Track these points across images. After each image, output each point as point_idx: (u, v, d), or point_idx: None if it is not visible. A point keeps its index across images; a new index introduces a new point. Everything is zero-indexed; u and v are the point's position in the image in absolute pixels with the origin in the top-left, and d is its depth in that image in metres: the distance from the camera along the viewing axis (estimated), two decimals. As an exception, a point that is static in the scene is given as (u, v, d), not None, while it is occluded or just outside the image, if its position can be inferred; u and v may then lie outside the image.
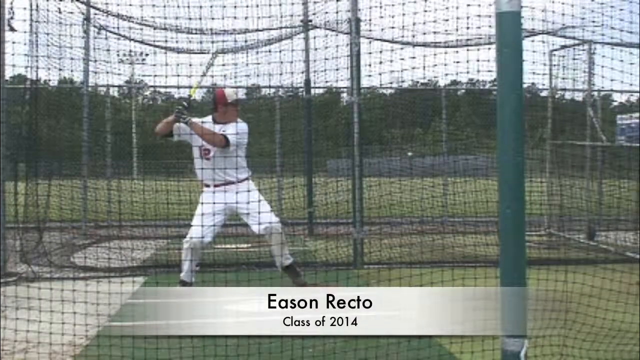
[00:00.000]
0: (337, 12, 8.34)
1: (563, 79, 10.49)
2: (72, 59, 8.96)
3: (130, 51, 10.99)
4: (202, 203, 6.56)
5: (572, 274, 4.73)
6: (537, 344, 4.00)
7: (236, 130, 6.46)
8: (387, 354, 4.30)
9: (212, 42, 9.65)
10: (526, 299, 2.71)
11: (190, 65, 8.80)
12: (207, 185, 6.61)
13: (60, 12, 8.62)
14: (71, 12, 9.23)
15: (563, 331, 4.38)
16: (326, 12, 8.83)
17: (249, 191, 6.50)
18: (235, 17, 8.66)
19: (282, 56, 9.42)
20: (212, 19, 8.56)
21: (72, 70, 9.64)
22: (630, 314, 4.61)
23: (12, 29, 7.27)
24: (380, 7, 7.44)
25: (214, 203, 6.50)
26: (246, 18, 8.68)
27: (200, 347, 4.30)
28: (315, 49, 8.85)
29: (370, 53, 7.76)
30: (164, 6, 8.50)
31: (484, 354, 4.04)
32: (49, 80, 9.72)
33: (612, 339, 4.37)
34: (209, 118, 6.72)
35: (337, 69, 8.03)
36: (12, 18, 7.26)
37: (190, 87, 7.84)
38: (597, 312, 4.57)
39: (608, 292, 4.79)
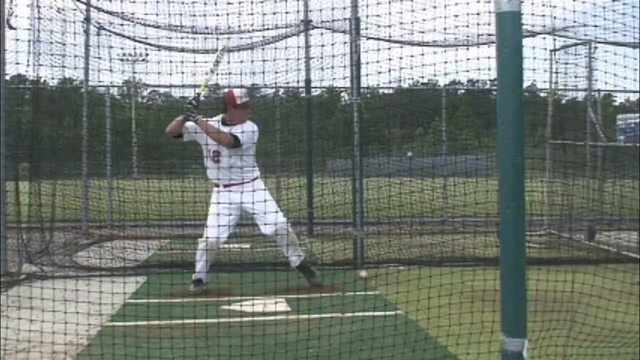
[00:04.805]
0: (333, 10, 8.33)
1: (564, 77, 10.50)
2: (68, 55, 8.96)
3: (134, 49, 10.98)
4: (216, 203, 6.62)
5: (572, 274, 4.74)
6: (537, 345, 4.01)
7: (242, 131, 6.48)
8: (388, 354, 4.31)
9: (217, 38, 9.63)
10: (526, 299, 2.71)
11: (194, 63, 8.79)
12: (217, 185, 6.69)
13: (59, 12, 8.62)
14: (73, 9, 9.25)
15: (564, 331, 4.39)
16: (326, 11, 8.82)
17: (254, 191, 6.53)
18: (239, 14, 8.64)
19: (282, 55, 9.44)
20: (217, 15, 8.54)
21: (74, 67, 9.66)
22: (630, 314, 4.62)
23: (10, 27, 7.26)
24: (378, 3, 7.43)
25: (230, 203, 6.59)
26: (251, 14, 8.64)
27: (203, 347, 4.31)
28: (318, 46, 8.83)
29: (366, 52, 7.79)
30: (168, 2, 8.45)
31: (484, 353, 4.05)
32: (48, 79, 9.72)
33: (612, 339, 4.37)
34: (218, 117, 6.74)
35: (333, 67, 8.02)
36: (12, 15, 7.25)
37: (196, 85, 7.80)
38: (597, 312, 4.58)
39: (608, 292, 4.80)
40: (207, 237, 6.55)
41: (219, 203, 6.60)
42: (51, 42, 8.34)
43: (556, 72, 10.49)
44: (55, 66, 8.76)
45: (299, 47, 10.26)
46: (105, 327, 5.10)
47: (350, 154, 8.18)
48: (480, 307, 4.67)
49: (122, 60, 11.67)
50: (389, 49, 7.37)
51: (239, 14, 8.63)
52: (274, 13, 8.44)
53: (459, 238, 9.38)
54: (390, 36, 8.51)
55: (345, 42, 7.97)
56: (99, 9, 9.80)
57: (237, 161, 6.53)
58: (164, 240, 10.14)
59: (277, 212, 6.76)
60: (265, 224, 6.59)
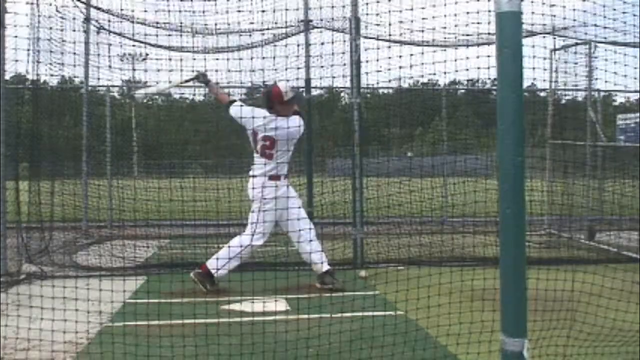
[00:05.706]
0: (333, 9, 8.33)
1: (564, 77, 10.50)
2: (68, 55, 8.96)
3: (133, 46, 10.96)
4: (274, 198, 6.60)
5: (572, 274, 4.74)
6: (537, 345, 4.01)
7: (288, 125, 6.60)
8: (388, 353, 4.31)
9: (217, 37, 9.63)
10: (526, 299, 2.71)
11: (193, 62, 8.79)
12: (277, 178, 6.67)
13: (59, 12, 8.62)
14: (74, 7, 9.24)
15: (564, 331, 4.39)
16: (326, 10, 8.82)
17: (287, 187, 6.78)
18: (239, 11, 8.62)
19: (282, 54, 9.42)
20: (216, 14, 8.53)
21: (74, 67, 9.67)
22: (631, 313, 4.62)
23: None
24: (378, 2, 7.44)
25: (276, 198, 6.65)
26: (250, 12, 8.64)
27: (203, 346, 4.31)
28: (318, 45, 8.84)
29: (366, 51, 7.79)
30: (167, 2, 8.43)
31: (484, 353, 4.05)
32: (48, 79, 9.71)
33: (613, 339, 4.37)
34: (264, 112, 6.81)
35: (333, 67, 8.01)
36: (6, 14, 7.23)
37: (196, 86, 7.80)
38: (597, 311, 4.58)
39: (608, 292, 4.80)
40: (251, 245, 6.68)
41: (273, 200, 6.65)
42: (51, 42, 8.34)
43: (556, 72, 10.49)
44: (55, 66, 8.76)
45: (298, 45, 10.26)
46: (105, 327, 5.10)
47: (350, 153, 8.18)
48: (480, 306, 4.67)
49: (122, 60, 11.66)
50: (389, 47, 7.38)
51: (239, 12, 8.64)
52: (274, 12, 8.44)
53: (458, 238, 9.38)
54: (390, 35, 8.51)
55: (345, 41, 7.98)
56: (99, 9, 9.80)
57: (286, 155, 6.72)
58: (164, 240, 10.14)
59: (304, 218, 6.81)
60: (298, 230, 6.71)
